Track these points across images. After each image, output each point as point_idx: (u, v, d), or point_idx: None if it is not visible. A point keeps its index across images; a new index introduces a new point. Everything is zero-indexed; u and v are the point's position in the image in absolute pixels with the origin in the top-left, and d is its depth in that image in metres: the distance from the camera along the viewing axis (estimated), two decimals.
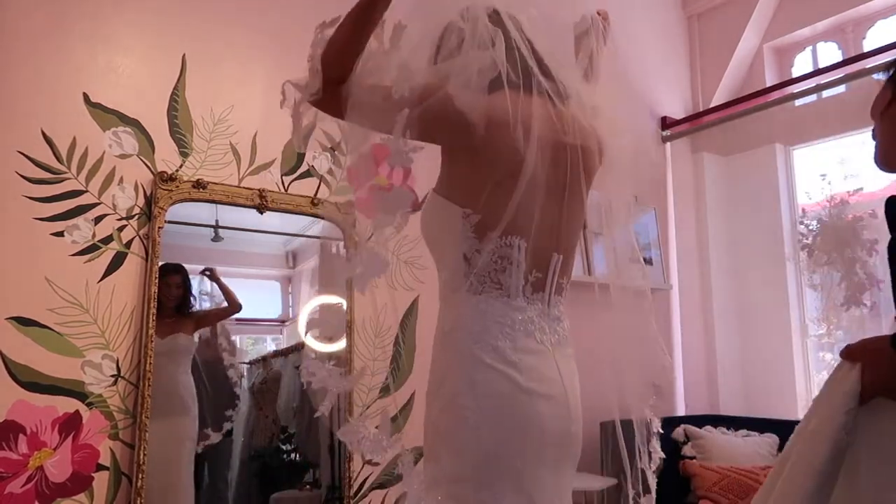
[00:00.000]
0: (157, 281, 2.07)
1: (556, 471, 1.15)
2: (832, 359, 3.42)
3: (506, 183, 1.14)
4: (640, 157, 1.39)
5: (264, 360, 2.68)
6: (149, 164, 2.13)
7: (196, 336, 2.37)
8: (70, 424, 1.90)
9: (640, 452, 1.33)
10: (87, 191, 2.01)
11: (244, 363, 2.62)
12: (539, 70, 1.21)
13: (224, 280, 2.46)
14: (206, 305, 2.42)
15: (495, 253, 1.15)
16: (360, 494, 2.40)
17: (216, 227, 2.36)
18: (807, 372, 3.49)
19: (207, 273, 2.41)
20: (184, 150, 2.20)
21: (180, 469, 2.22)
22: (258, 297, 2.75)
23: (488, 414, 1.10)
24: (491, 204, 1.14)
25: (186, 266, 2.33)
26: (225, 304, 2.43)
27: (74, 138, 2.00)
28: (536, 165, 1.15)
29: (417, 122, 1.07)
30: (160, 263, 2.11)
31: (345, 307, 2.46)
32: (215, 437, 2.37)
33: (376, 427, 1.16)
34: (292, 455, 2.60)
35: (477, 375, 1.11)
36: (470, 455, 1.10)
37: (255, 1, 2.42)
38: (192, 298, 2.34)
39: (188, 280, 2.33)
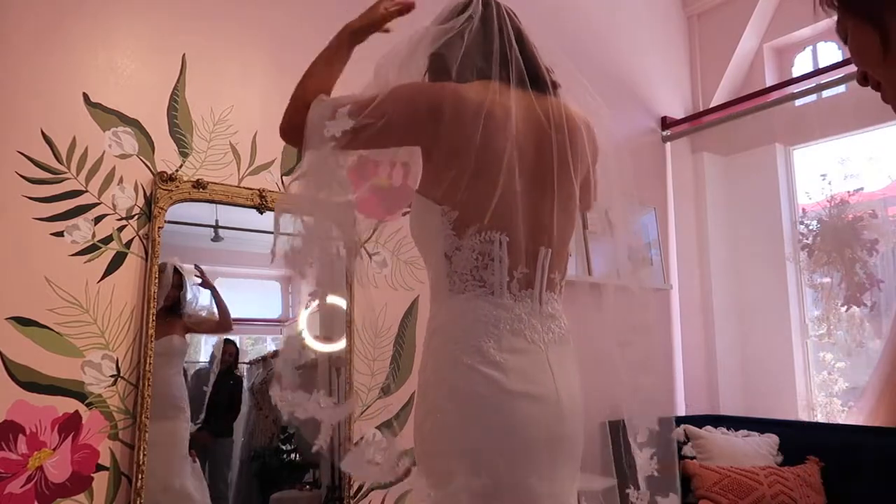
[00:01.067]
0: (157, 281, 2.07)
1: (549, 474, 1.11)
2: (832, 359, 3.42)
3: (481, 177, 1.12)
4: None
5: (264, 360, 2.67)
6: (149, 164, 2.13)
7: (188, 338, 2.37)
8: (70, 424, 1.90)
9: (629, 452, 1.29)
10: (86, 191, 2.01)
11: (244, 363, 2.62)
12: (523, 60, 1.19)
13: (224, 280, 2.46)
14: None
15: (475, 249, 1.12)
16: (360, 494, 2.40)
17: (216, 227, 2.36)
18: (807, 372, 3.49)
19: (197, 275, 2.37)
20: (184, 150, 2.20)
21: (175, 469, 2.21)
22: (258, 297, 2.75)
23: (468, 417, 1.08)
24: (467, 199, 1.12)
25: (186, 266, 2.33)
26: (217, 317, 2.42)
27: (74, 138, 2.00)
28: (513, 157, 1.13)
29: (380, 130, 1.12)
30: (161, 262, 2.11)
31: (345, 307, 2.46)
32: None
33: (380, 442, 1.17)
34: (292, 455, 2.60)
35: (458, 378, 1.09)
36: (453, 459, 1.08)
37: (255, 1, 2.42)
38: (184, 298, 2.33)
39: (185, 281, 2.33)
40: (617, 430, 1.31)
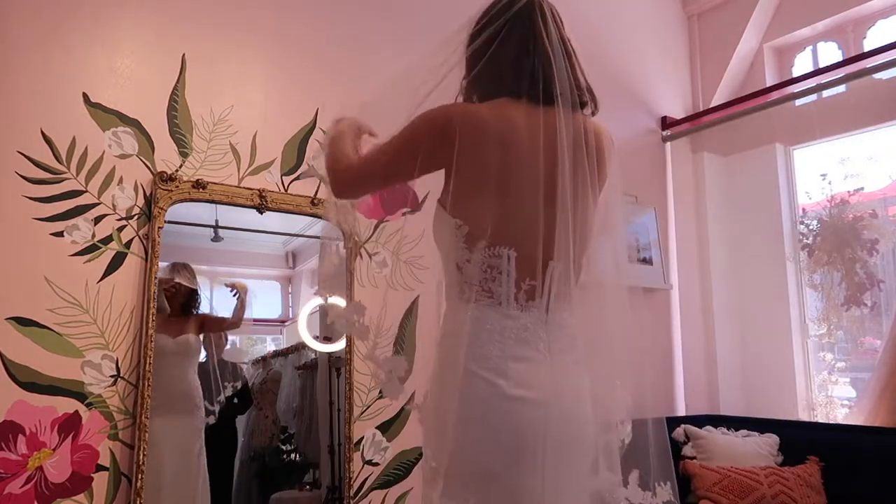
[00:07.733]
0: (156, 281, 2.07)
1: (552, 476, 1.13)
2: (832, 359, 3.42)
3: (490, 194, 1.16)
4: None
5: (264, 360, 2.68)
6: (148, 164, 2.13)
7: (201, 336, 2.38)
8: (69, 425, 1.90)
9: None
10: (86, 191, 2.01)
11: (244, 363, 2.61)
12: (555, 75, 1.20)
13: (224, 280, 2.48)
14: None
15: (484, 263, 1.16)
16: (360, 494, 2.40)
17: (216, 227, 2.36)
18: (807, 372, 3.49)
19: (232, 290, 2.45)
20: (183, 150, 2.20)
21: (191, 467, 2.23)
22: (258, 297, 2.74)
23: (467, 419, 1.12)
24: (477, 215, 1.16)
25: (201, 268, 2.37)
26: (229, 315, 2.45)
27: (74, 138, 2.00)
28: (523, 175, 1.16)
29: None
30: (171, 262, 2.20)
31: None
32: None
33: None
34: (292, 455, 2.60)
35: (461, 382, 1.14)
36: (452, 457, 1.13)
37: (255, 1, 2.42)
38: (198, 297, 2.35)
39: (195, 277, 2.34)
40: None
